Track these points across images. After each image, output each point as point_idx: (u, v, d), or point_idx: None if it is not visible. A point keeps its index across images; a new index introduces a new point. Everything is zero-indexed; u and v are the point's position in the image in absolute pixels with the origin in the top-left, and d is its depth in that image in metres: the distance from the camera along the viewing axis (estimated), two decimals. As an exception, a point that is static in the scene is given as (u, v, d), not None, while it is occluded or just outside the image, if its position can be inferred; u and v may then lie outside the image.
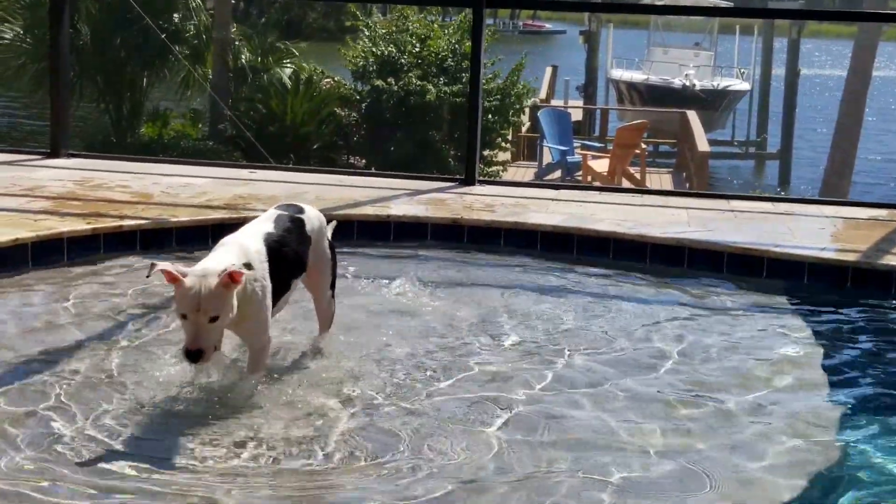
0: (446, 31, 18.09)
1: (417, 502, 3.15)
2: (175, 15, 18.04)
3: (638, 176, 17.07)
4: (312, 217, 4.27)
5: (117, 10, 16.67)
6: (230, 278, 3.52)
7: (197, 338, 3.47)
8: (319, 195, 6.81)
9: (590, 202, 7.06)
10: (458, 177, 7.66)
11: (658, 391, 4.13)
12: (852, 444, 3.72)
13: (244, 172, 7.62)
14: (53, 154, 7.69)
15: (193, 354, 3.47)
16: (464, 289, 5.43)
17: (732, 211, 6.91)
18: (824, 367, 4.47)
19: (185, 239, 5.91)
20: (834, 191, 19.25)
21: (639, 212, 6.77)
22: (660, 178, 19.18)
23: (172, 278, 3.51)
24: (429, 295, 5.20)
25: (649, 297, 5.46)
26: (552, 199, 7.13)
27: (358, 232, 6.27)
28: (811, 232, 6.34)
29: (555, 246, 6.19)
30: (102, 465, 3.32)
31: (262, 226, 4.01)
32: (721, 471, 3.45)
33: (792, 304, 5.36)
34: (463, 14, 18.42)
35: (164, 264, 3.56)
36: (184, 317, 3.50)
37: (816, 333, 4.88)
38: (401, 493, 3.20)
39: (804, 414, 3.95)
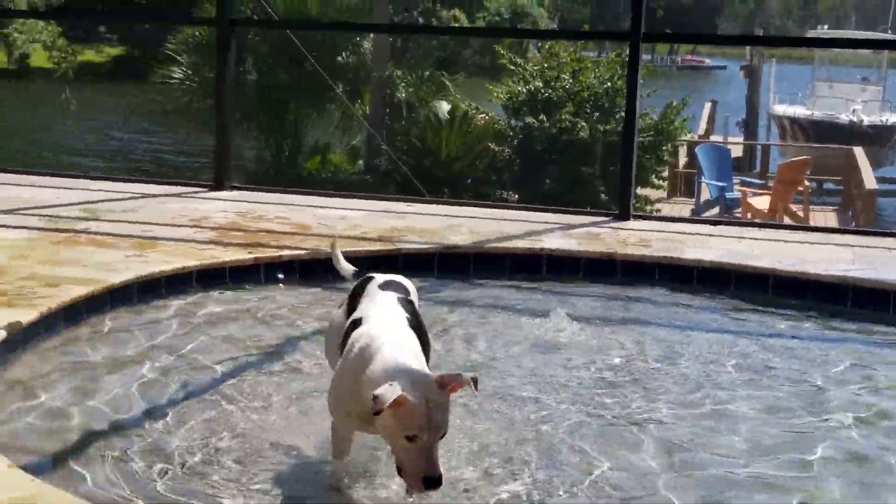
0: (599, 67, 18.08)
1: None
2: (339, 57, 18.58)
3: (801, 214, 16.65)
4: (414, 292, 3.79)
5: (283, 49, 17.27)
6: (455, 388, 2.96)
7: (435, 461, 2.88)
8: (472, 228, 6.89)
9: (748, 238, 6.92)
10: (612, 211, 7.64)
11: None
12: None
13: (399, 205, 7.76)
14: (218, 187, 8.00)
15: (435, 481, 2.87)
16: (619, 325, 5.39)
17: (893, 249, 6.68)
18: None
19: (341, 269, 6.05)
20: None
21: (799, 249, 6.60)
22: (824, 216, 18.66)
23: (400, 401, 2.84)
24: (584, 330, 5.17)
25: (817, 336, 5.31)
26: (709, 235, 7.02)
27: (510, 266, 6.31)
28: None
29: (711, 282, 6.09)
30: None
31: (396, 312, 3.38)
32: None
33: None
34: (618, 50, 18.39)
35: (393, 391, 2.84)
36: (409, 439, 2.88)
37: None
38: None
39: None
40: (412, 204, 7.86)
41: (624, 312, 5.64)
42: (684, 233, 7.05)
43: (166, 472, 3.46)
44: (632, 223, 7.32)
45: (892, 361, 4.97)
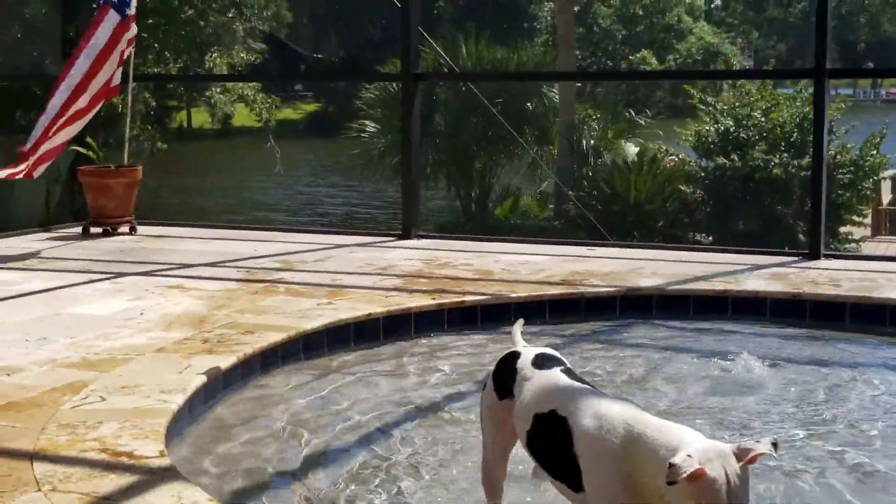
0: (792, 103, 17.71)
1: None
2: (528, 104, 18.88)
3: None
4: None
5: (470, 99, 17.68)
6: (753, 459, 2.58)
7: None
8: (655, 270, 6.90)
9: (948, 276, 6.67)
10: (802, 251, 7.50)
11: None
12: None
13: (581, 249, 7.85)
14: (405, 236, 8.29)
15: None
16: (809, 367, 5.29)
17: None
18: None
19: (523, 313, 6.16)
20: None
21: None
22: None
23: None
24: (774, 372, 5.11)
25: None
26: (905, 273, 6.81)
27: (694, 308, 6.29)
28: None
29: (906, 322, 5.91)
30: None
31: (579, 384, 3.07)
32: None
33: None
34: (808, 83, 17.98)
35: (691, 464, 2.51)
36: None
37: None
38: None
39: None
40: (595, 248, 7.94)
41: (810, 353, 5.54)
42: (880, 271, 6.85)
43: (351, 509, 3.64)
44: (822, 262, 7.18)
45: None
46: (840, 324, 6.01)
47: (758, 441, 2.59)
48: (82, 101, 8.01)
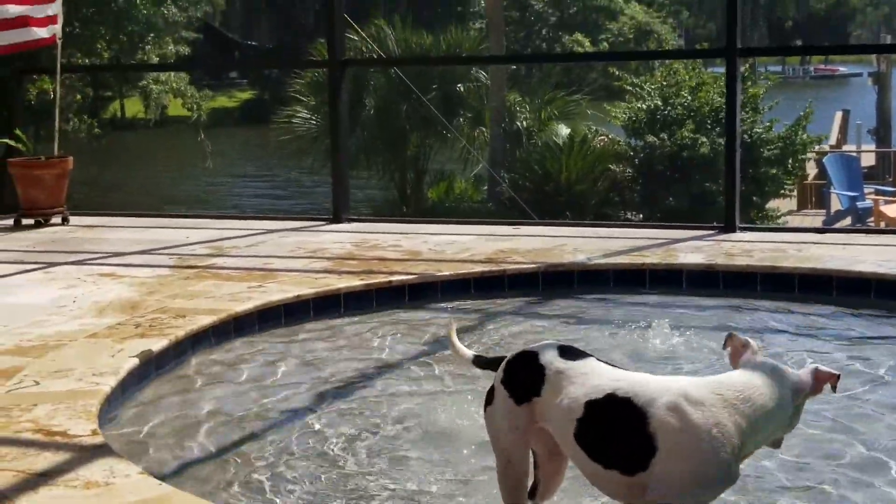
0: (718, 82, 18.08)
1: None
2: (457, 86, 19.07)
3: (940, 219, 16.29)
4: None
5: (400, 84, 17.82)
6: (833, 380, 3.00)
7: None
8: (577, 247, 7.13)
9: (855, 244, 6.99)
10: (718, 225, 7.78)
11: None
12: None
13: (508, 229, 8.07)
14: (336, 220, 8.45)
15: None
16: (720, 333, 5.55)
17: None
18: None
19: (449, 291, 6.39)
20: None
21: (906, 252, 6.65)
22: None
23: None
24: (687, 339, 5.35)
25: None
26: (814, 243, 7.11)
27: (613, 281, 6.54)
28: None
29: (814, 290, 6.19)
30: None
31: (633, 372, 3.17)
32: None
33: None
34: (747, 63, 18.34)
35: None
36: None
37: None
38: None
39: None
40: (520, 227, 8.16)
41: (720, 320, 5.81)
42: (790, 242, 7.15)
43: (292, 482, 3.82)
44: (737, 235, 7.46)
45: None
46: (752, 292, 6.28)
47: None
48: None
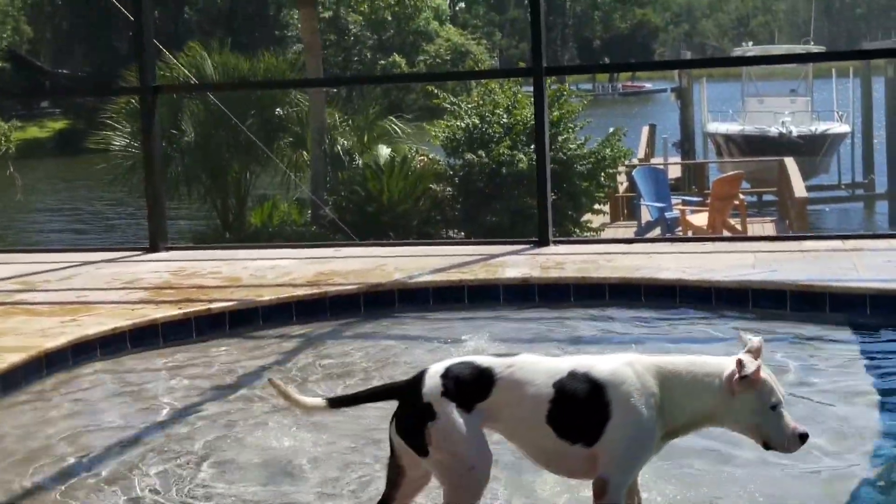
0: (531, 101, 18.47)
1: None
2: (277, 110, 18.90)
3: (739, 227, 17.07)
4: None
5: (218, 109, 17.53)
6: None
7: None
8: (398, 266, 7.17)
9: (659, 253, 7.26)
10: (532, 239, 7.94)
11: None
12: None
13: (329, 251, 8.04)
14: (152, 249, 8.24)
15: (807, 435, 3.16)
16: (532, 344, 5.67)
17: (802, 251, 7.04)
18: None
19: (271, 316, 6.32)
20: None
21: (708, 259, 6.94)
22: (763, 227, 19.12)
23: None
24: (504, 350, 5.43)
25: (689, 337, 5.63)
26: (623, 254, 7.35)
27: (433, 298, 6.60)
28: (875, 265, 6.42)
29: (623, 297, 6.40)
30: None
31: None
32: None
33: (854, 334, 5.47)
34: (554, 81, 18.79)
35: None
36: (773, 408, 3.10)
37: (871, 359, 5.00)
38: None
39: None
40: (340, 248, 8.15)
41: (540, 331, 5.93)
42: (599, 253, 7.37)
43: None
44: (551, 248, 7.64)
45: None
46: (566, 302, 6.44)
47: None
48: None
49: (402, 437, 3.15)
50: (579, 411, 3.12)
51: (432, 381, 3.16)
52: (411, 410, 3.14)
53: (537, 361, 3.23)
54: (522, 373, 3.17)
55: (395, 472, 3.22)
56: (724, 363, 3.13)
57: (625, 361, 3.16)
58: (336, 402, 3.38)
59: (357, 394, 3.44)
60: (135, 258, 8.12)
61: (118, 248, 8.97)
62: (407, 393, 3.18)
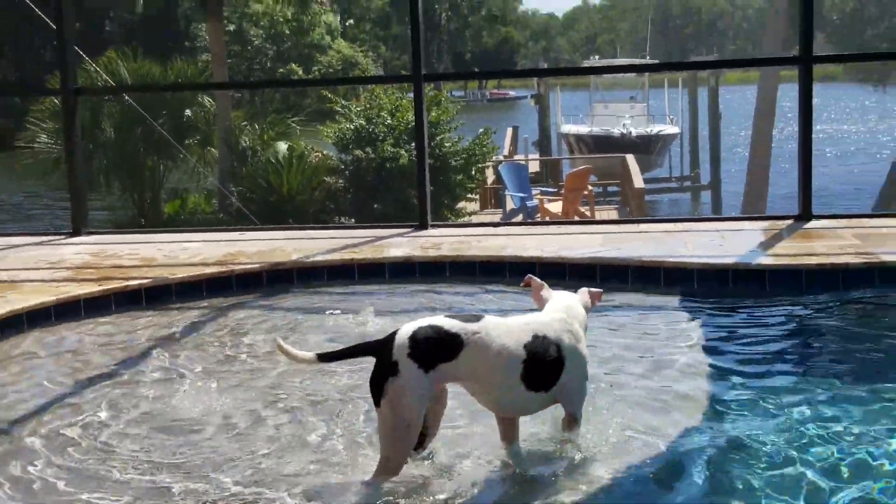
0: (412, 105, 18.46)
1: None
2: (187, 111, 18.49)
3: (588, 213, 17.38)
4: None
5: (134, 110, 17.08)
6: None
7: None
8: (297, 248, 7.07)
9: (522, 235, 7.33)
10: (414, 224, 7.93)
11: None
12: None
13: (235, 234, 7.88)
14: (75, 234, 7.95)
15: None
16: (414, 314, 5.66)
17: (640, 232, 7.19)
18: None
19: (183, 292, 6.17)
20: (754, 211, 19.54)
21: (563, 239, 7.03)
22: (608, 213, 19.50)
23: None
24: (388, 321, 5.41)
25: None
26: (492, 235, 7.39)
27: (327, 275, 6.53)
28: (703, 244, 6.61)
29: (493, 273, 6.43)
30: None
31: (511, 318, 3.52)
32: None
33: (682, 304, 5.62)
34: (430, 87, 18.80)
35: None
36: None
37: (705, 327, 5.13)
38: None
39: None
40: (245, 233, 7.99)
41: (420, 303, 5.93)
42: (472, 235, 7.40)
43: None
44: (430, 231, 7.64)
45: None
46: (443, 278, 6.45)
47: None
48: None
49: (371, 388, 3.17)
50: (545, 366, 3.30)
51: (401, 341, 3.14)
52: (380, 366, 3.15)
53: (499, 324, 3.29)
54: (490, 338, 3.21)
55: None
56: (574, 295, 3.58)
57: (562, 317, 3.41)
58: (324, 357, 3.38)
59: (340, 350, 3.41)
60: (58, 242, 7.83)
61: (43, 233, 8.61)
62: (380, 350, 3.17)
